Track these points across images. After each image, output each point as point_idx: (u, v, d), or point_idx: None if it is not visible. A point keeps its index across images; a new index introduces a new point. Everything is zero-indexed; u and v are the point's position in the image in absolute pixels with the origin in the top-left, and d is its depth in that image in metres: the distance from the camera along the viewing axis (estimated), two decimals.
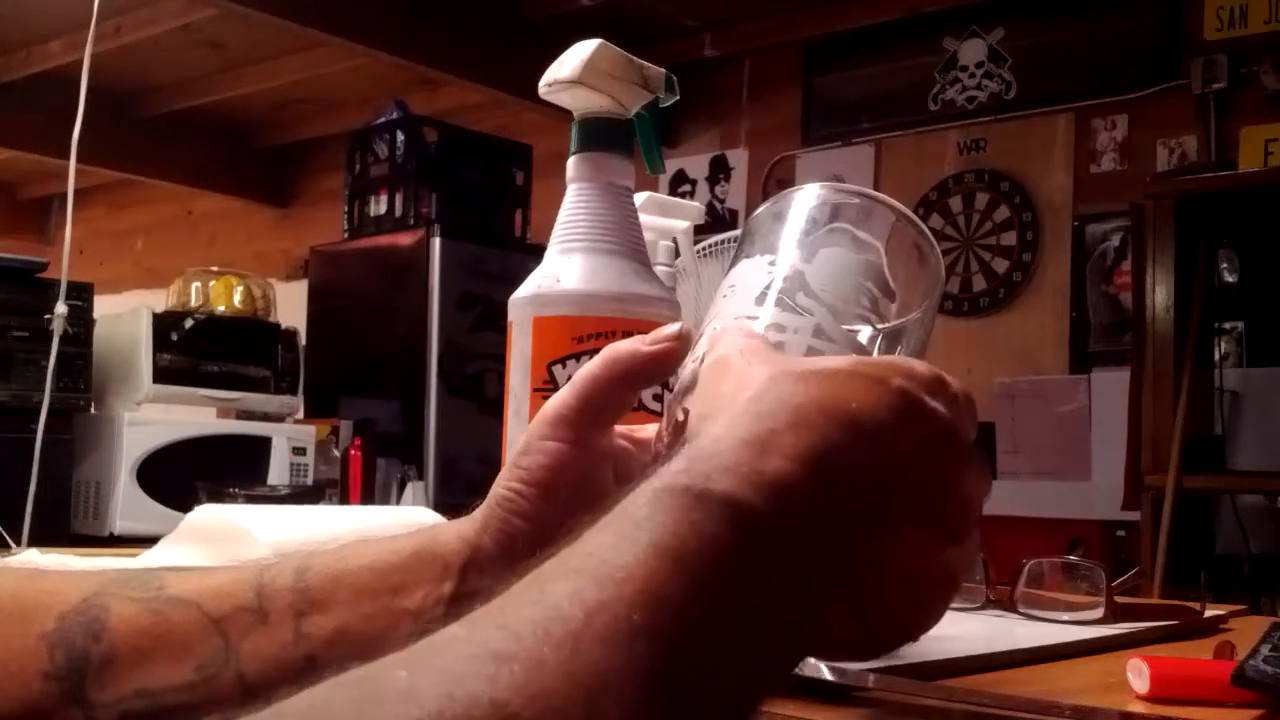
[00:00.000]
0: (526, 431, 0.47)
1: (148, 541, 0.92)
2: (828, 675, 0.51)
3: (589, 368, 0.48)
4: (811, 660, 0.49)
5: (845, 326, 0.45)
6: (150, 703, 0.41)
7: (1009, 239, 3.64)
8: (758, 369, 0.37)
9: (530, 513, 0.46)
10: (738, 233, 0.91)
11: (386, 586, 0.44)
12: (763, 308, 0.45)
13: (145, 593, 0.43)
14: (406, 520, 0.83)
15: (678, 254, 1.13)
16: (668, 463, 0.33)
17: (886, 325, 0.46)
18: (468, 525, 0.47)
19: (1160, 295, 2.70)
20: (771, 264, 0.46)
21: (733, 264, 0.49)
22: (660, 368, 0.47)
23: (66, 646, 0.41)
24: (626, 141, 0.69)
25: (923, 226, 0.49)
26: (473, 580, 0.45)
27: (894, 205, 0.48)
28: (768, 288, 0.45)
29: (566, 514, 0.44)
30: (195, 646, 0.42)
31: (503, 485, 0.47)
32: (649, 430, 0.51)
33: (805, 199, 0.49)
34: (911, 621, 0.38)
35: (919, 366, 0.38)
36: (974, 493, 0.38)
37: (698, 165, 4.26)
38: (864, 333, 0.45)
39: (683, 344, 0.46)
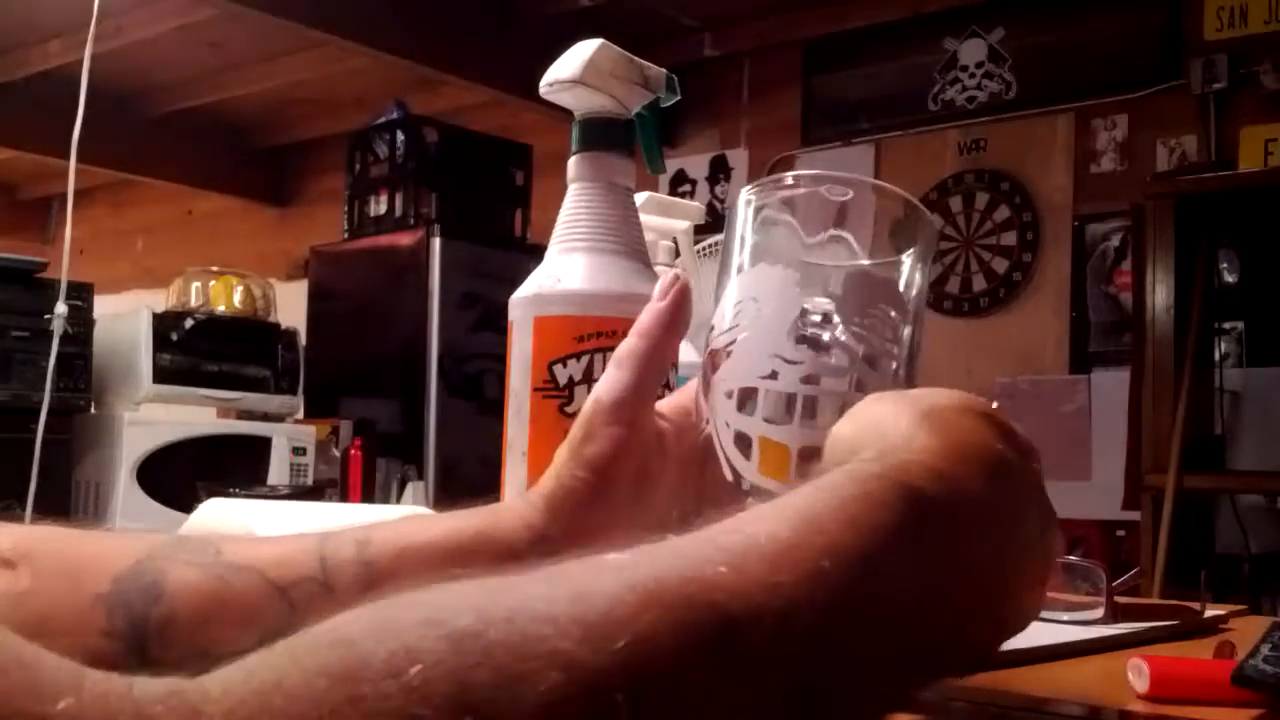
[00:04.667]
0: (583, 419, 0.48)
1: (159, 533, 0.92)
2: None
3: (629, 349, 0.49)
4: None
5: (871, 356, 0.47)
6: (214, 665, 0.41)
7: (1009, 239, 3.64)
8: (916, 397, 0.41)
9: (598, 500, 0.47)
10: None
11: (453, 563, 0.45)
12: (802, 350, 0.47)
13: (203, 558, 0.44)
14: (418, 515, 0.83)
15: (678, 254, 1.13)
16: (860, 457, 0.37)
17: (902, 348, 0.48)
18: (530, 511, 0.47)
19: (1160, 295, 2.70)
20: (798, 284, 0.47)
21: (740, 246, 0.49)
22: (683, 315, 0.50)
23: (125, 608, 0.41)
24: (627, 141, 0.69)
25: (915, 201, 0.50)
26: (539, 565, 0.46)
27: (895, 191, 0.49)
28: (803, 320, 0.47)
29: (628, 496, 0.47)
30: (260, 613, 0.42)
31: (569, 474, 0.47)
32: (668, 405, 0.52)
33: (815, 189, 0.50)
34: (993, 648, 0.41)
35: (1020, 431, 0.42)
36: (1055, 547, 0.42)
37: (698, 165, 4.26)
38: (889, 369, 0.47)
39: (685, 287, 0.50)
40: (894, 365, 0.47)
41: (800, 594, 0.29)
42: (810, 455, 0.45)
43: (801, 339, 0.47)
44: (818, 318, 0.47)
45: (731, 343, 0.48)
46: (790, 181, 0.50)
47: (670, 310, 0.50)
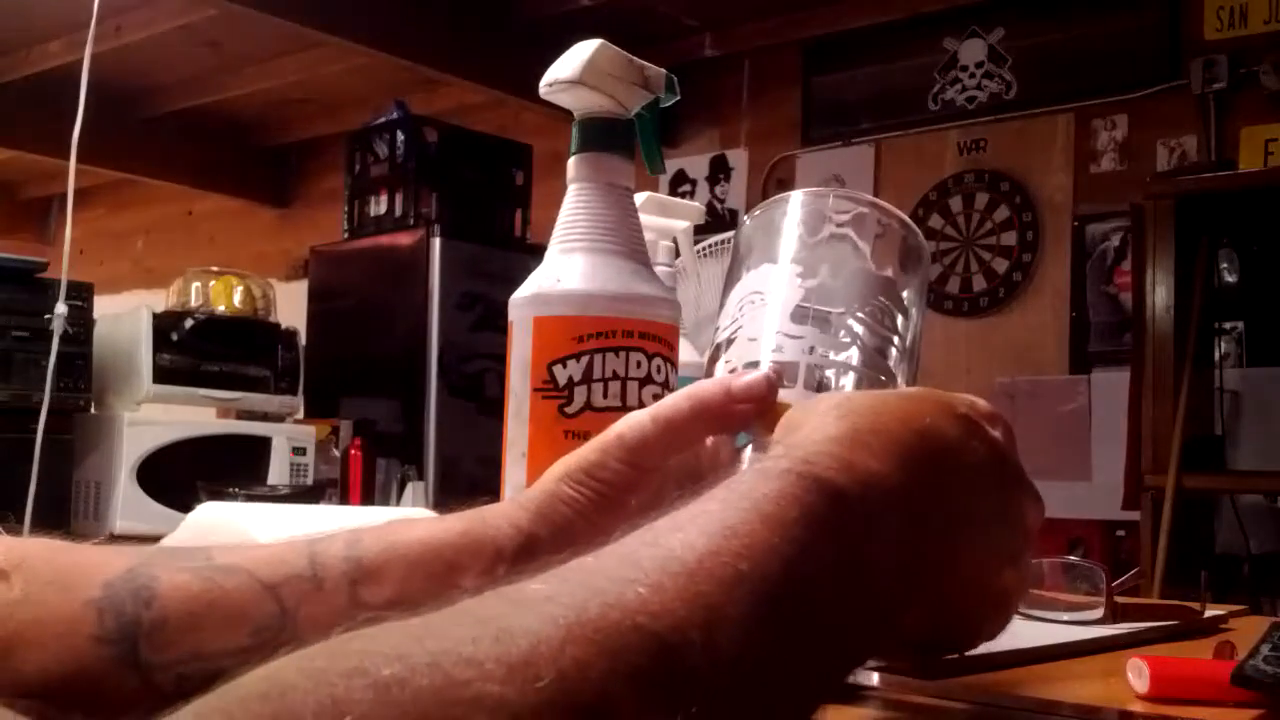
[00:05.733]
0: (601, 446, 0.47)
1: (148, 542, 0.92)
2: None
3: (674, 406, 0.47)
4: None
5: (875, 345, 0.48)
6: (206, 666, 0.41)
7: (1009, 239, 3.64)
8: (837, 394, 0.42)
9: (593, 516, 0.47)
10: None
11: (440, 561, 0.45)
12: (805, 327, 0.48)
13: (194, 562, 0.44)
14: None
15: (678, 254, 1.13)
16: (763, 453, 0.37)
17: (904, 342, 0.49)
18: (519, 513, 0.47)
19: (1160, 295, 2.70)
20: (800, 275, 0.48)
21: (745, 255, 0.51)
22: (745, 420, 0.47)
23: (116, 612, 0.41)
24: (627, 142, 0.69)
25: (913, 226, 0.51)
26: (527, 565, 0.45)
27: (894, 212, 0.50)
28: (805, 306, 0.48)
29: (624, 519, 0.46)
30: (250, 611, 0.43)
31: (570, 485, 0.47)
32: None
33: (820, 204, 0.51)
34: (967, 634, 0.41)
35: (979, 401, 0.41)
36: (1029, 518, 0.41)
37: (698, 165, 4.26)
38: (891, 355, 0.48)
39: (772, 394, 0.46)
40: (895, 355, 0.48)
41: (723, 600, 0.30)
42: None
43: (804, 318, 0.47)
44: (820, 303, 0.48)
45: (737, 330, 0.48)
46: (794, 198, 0.52)
47: (744, 415, 0.47)
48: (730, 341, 0.49)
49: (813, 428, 0.38)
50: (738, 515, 0.33)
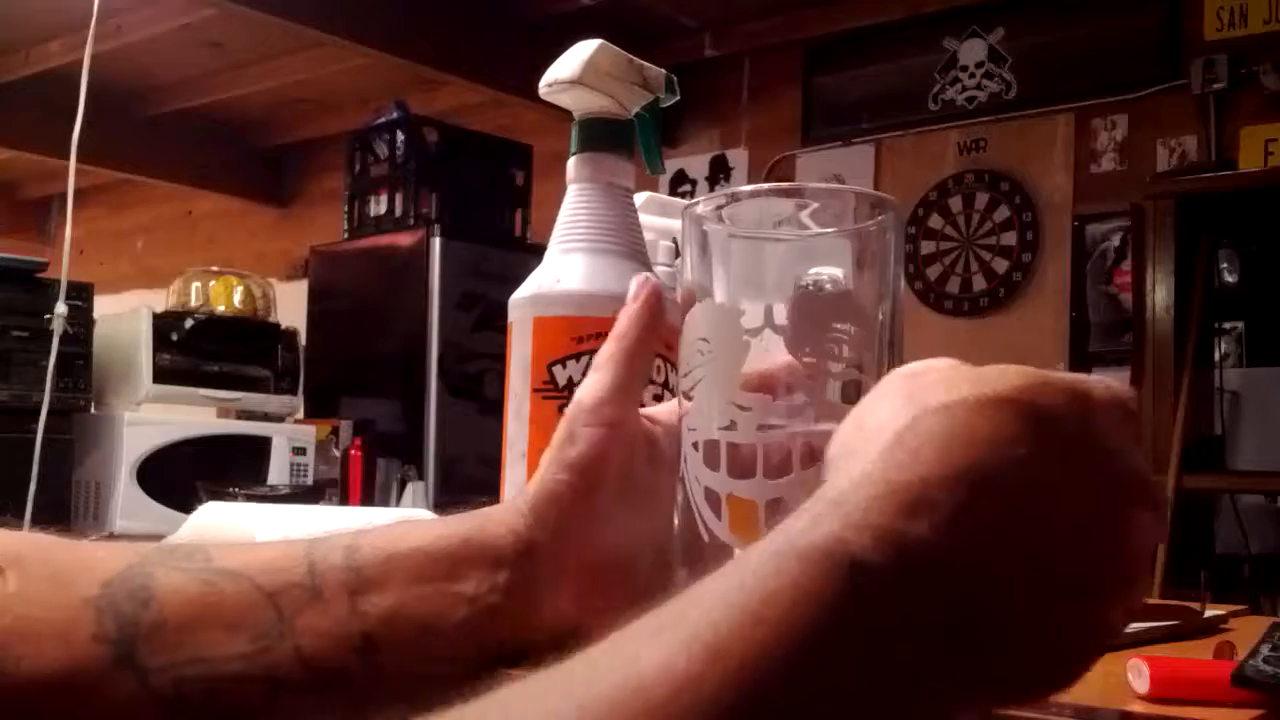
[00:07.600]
0: (566, 422, 0.48)
1: (148, 542, 0.92)
2: None
3: (607, 352, 0.49)
4: None
5: (839, 389, 0.43)
6: (206, 670, 0.41)
7: (1009, 239, 3.64)
8: (901, 404, 0.34)
9: (581, 503, 0.46)
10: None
11: (441, 570, 0.45)
12: (755, 395, 0.43)
13: (192, 564, 0.44)
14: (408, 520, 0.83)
15: (678, 254, 1.13)
16: (801, 513, 0.30)
17: (875, 355, 0.44)
18: (515, 517, 0.47)
19: (1160, 295, 2.70)
20: (742, 321, 0.43)
21: (685, 271, 0.46)
22: (658, 316, 0.50)
23: (115, 611, 0.41)
24: (627, 142, 0.69)
25: (884, 198, 0.45)
26: (528, 571, 0.45)
27: (862, 193, 0.46)
28: (753, 370, 0.43)
29: (613, 501, 0.47)
30: (249, 618, 0.42)
31: (551, 478, 0.47)
32: (662, 410, 0.52)
33: (760, 208, 0.46)
34: (1062, 680, 0.33)
35: (1101, 381, 0.33)
36: (1146, 540, 0.33)
37: (698, 165, 4.26)
38: (865, 383, 0.43)
39: (656, 287, 0.50)
40: (866, 381, 0.43)
41: None
42: (778, 508, 0.41)
43: (754, 381, 0.43)
44: (768, 354, 0.43)
45: (693, 386, 0.45)
46: (726, 200, 0.46)
47: (643, 311, 0.49)
48: (689, 398, 0.45)
49: (863, 476, 0.30)
50: (730, 622, 0.27)
